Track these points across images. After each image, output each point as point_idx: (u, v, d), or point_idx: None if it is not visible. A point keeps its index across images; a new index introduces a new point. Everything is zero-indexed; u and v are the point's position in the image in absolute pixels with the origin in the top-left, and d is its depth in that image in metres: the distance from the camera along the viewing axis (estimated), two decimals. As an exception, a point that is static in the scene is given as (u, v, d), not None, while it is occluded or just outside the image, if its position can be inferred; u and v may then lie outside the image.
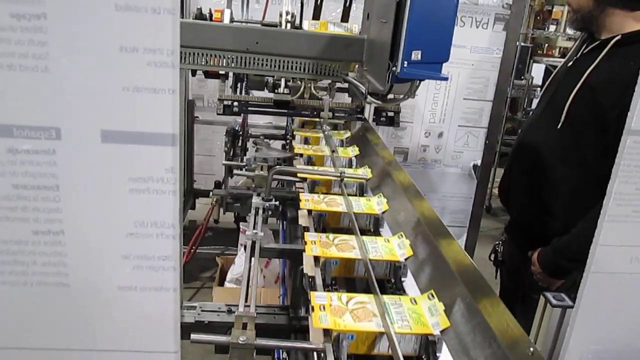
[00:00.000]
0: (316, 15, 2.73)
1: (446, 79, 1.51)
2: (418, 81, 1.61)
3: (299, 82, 2.32)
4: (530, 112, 4.63)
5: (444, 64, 1.53)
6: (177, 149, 0.44)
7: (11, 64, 0.41)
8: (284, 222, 1.90)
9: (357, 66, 2.17)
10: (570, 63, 1.50)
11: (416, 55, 1.45)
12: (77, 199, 0.46)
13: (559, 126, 1.43)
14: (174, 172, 0.45)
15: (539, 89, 4.63)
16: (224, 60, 1.98)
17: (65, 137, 0.44)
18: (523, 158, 1.60)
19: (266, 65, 1.98)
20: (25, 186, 0.45)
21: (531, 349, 0.87)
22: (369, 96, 1.84)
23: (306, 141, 2.07)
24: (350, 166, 1.82)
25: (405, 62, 1.44)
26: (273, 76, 2.37)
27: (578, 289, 1.03)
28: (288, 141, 2.59)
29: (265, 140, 2.50)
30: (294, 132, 2.16)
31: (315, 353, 0.99)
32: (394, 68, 1.46)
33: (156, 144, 0.44)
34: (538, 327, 1.06)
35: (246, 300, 1.08)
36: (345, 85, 2.37)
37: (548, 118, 1.50)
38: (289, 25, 2.36)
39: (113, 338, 0.51)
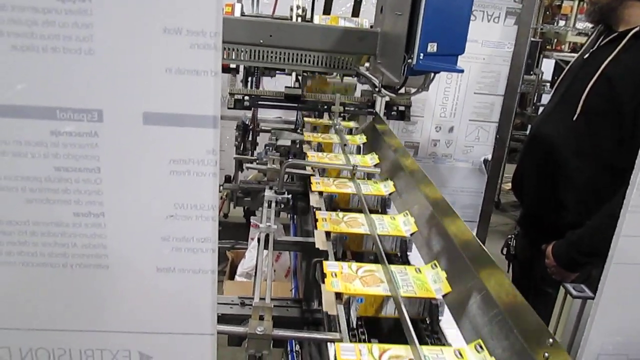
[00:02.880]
0: (327, 10, 2.73)
1: (462, 71, 1.51)
2: (432, 74, 1.61)
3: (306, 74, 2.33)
4: (540, 108, 4.62)
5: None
6: (218, 131, 0.44)
7: (55, 46, 0.42)
8: (295, 216, 1.91)
9: (369, 59, 2.18)
10: (587, 55, 1.50)
11: (432, 47, 1.46)
12: (118, 181, 0.46)
13: (574, 118, 1.43)
14: (214, 154, 0.45)
15: (548, 84, 4.61)
16: (237, 53, 1.99)
17: (107, 119, 0.44)
18: (536, 151, 1.60)
19: (279, 58, 1.98)
20: (67, 168, 0.45)
21: (550, 340, 0.87)
22: (382, 89, 1.84)
23: (319, 148, 2.02)
24: (369, 179, 1.69)
25: (421, 54, 1.44)
26: (284, 69, 2.37)
27: (593, 281, 1.03)
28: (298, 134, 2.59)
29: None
30: (305, 139, 2.09)
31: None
32: (410, 60, 1.46)
33: (198, 126, 0.44)
34: (557, 318, 1.06)
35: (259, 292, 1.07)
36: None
37: (563, 110, 1.49)
38: (299, 19, 2.36)
39: (151, 320, 0.51)
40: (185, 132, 0.44)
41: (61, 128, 0.44)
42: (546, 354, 0.85)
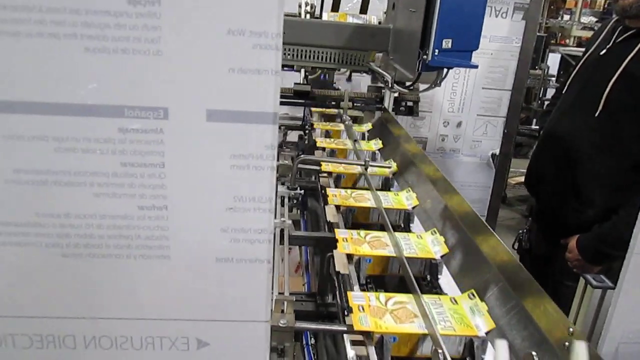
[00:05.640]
0: (335, 7, 2.74)
1: (476, 66, 1.53)
2: (445, 70, 1.62)
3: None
4: (546, 102, 4.62)
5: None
6: (276, 126, 0.46)
7: (125, 48, 0.44)
8: (305, 212, 1.92)
9: (380, 55, 2.19)
10: (603, 52, 1.50)
11: (447, 43, 1.47)
12: (181, 175, 0.48)
13: (596, 114, 1.43)
14: (272, 149, 0.47)
15: (553, 78, 4.62)
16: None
17: (172, 116, 0.46)
18: (555, 147, 1.61)
19: (291, 55, 2.00)
20: (133, 164, 0.48)
21: (570, 328, 0.88)
22: (395, 85, 1.86)
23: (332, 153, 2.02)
24: (387, 188, 1.60)
25: (436, 51, 1.46)
26: (293, 66, 2.39)
27: (613, 274, 1.05)
28: (307, 132, 2.61)
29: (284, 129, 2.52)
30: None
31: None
32: (425, 56, 1.48)
33: (258, 122, 0.46)
34: (577, 308, 1.08)
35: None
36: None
37: (582, 107, 1.50)
38: (308, 16, 2.38)
39: (208, 308, 0.54)
40: (245, 128, 0.47)
41: (128, 125, 0.46)
42: (567, 343, 0.86)
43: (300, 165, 1.77)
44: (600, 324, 1.02)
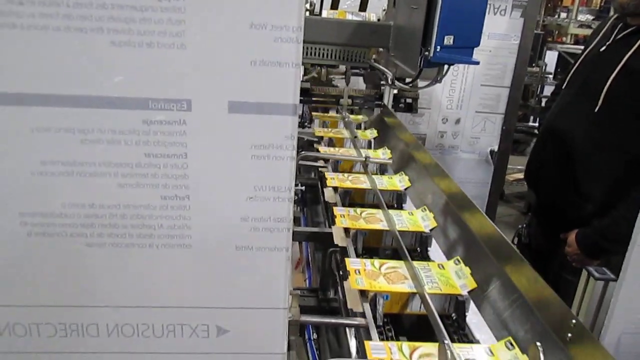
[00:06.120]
0: (334, 5, 2.76)
1: (477, 63, 1.54)
2: (446, 67, 1.64)
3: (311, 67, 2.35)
4: (543, 99, 4.65)
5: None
6: (296, 117, 0.48)
7: (150, 41, 0.45)
8: (305, 208, 1.93)
9: (377, 52, 2.20)
10: (603, 48, 1.52)
11: (448, 40, 1.49)
12: (203, 165, 0.50)
13: (596, 109, 1.45)
14: (292, 139, 0.49)
15: (551, 75, 4.65)
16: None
17: (195, 108, 0.48)
18: (555, 141, 1.63)
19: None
20: (156, 155, 0.49)
21: (573, 320, 0.89)
22: (396, 81, 1.88)
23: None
24: (400, 204, 1.49)
25: (438, 47, 1.48)
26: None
27: (612, 267, 1.06)
28: (305, 128, 2.62)
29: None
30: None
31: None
32: (427, 53, 1.50)
33: (278, 114, 0.48)
34: (580, 300, 1.10)
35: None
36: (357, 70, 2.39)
37: (582, 103, 1.52)
38: (307, 13, 2.39)
39: (228, 295, 0.55)
40: (266, 119, 0.48)
41: (152, 117, 0.47)
42: (570, 335, 0.86)
43: (301, 162, 1.79)
44: (603, 315, 1.04)
